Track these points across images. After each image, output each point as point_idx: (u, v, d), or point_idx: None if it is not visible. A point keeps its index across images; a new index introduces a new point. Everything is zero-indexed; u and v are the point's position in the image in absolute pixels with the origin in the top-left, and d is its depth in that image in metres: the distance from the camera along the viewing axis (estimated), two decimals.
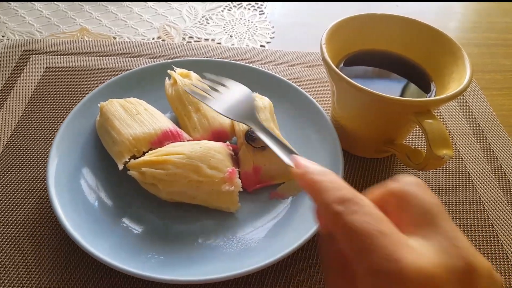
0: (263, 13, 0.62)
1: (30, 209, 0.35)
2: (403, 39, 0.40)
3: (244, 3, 0.64)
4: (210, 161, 0.33)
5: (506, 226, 0.37)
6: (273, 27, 0.60)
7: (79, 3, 0.61)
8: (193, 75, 0.40)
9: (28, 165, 0.39)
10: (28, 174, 0.38)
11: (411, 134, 0.45)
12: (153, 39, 0.56)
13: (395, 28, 0.40)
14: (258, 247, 0.32)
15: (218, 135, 0.37)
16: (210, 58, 0.46)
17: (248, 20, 0.61)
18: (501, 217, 0.38)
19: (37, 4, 0.60)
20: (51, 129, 0.42)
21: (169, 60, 0.45)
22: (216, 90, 0.33)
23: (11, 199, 0.36)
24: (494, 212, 0.38)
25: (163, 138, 0.35)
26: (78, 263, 0.32)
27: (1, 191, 0.36)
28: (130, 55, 0.51)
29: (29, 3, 0.60)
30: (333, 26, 0.38)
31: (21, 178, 0.37)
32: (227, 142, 0.36)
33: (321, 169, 0.22)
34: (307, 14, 0.63)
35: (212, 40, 0.57)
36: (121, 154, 0.34)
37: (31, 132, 0.42)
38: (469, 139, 0.45)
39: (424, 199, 0.20)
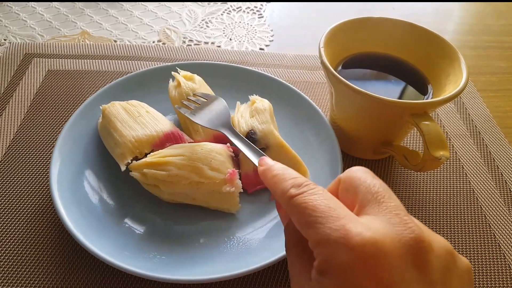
0: (262, 17, 0.63)
1: (33, 211, 0.36)
2: (400, 42, 0.41)
3: (243, 7, 0.65)
4: (211, 163, 0.33)
5: (503, 227, 0.37)
6: (272, 30, 0.60)
7: (80, 6, 0.62)
8: (197, 78, 0.41)
9: (31, 167, 0.39)
10: (31, 176, 0.38)
11: (409, 136, 0.45)
12: (153, 42, 0.57)
13: (392, 31, 0.41)
14: (259, 247, 0.32)
15: (220, 137, 0.38)
16: (212, 61, 0.47)
17: (247, 24, 0.61)
18: (498, 217, 0.38)
19: (38, 7, 0.61)
20: (53, 132, 0.42)
21: (170, 63, 0.45)
22: (198, 104, 0.37)
23: (14, 201, 0.36)
24: (491, 213, 0.39)
25: (165, 140, 0.35)
26: (81, 264, 0.32)
27: (5, 193, 0.37)
28: (130, 58, 0.52)
29: (30, 6, 0.61)
30: (331, 30, 0.39)
31: (24, 180, 0.38)
32: (228, 144, 0.37)
33: (281, 166, 0.24)
34: (305, 17, 0.64)
35: (212, 43, 0.57)
36: (123, 156, 0.34)
37: (33, 135, 0.42)
38: (466, 140, 0.45)
39: (369, 181, 0.21)
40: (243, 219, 0.35)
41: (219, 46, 0.57)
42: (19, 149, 0.41)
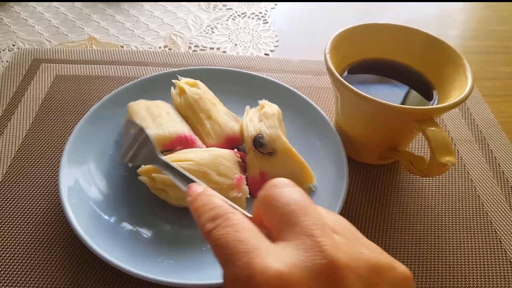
0: (267, 22, 0.64)
1: (42, 215, 0.36)
2: (405, 48, 0.41)
3: (248, 13, 0.65)
4: (219, 168, 0.34)
5: (509, 232, 0.37)
6: (276, 35, 0.61)
7: (87, 12, 0.62)
8: (200, 83, 0.41)
9: (40, 173, 0.39)
10: (40, 181, 0.39)
11: (414, 141, 0.45)
12: (159, 48, 0.57)
13: (397, 37, 0.41)
14: None
15: (231, 141, 0.38)
16: (217, 67, 0.47)
17: (252, 29, 0.62)
18: (504, 223, 0.38)
19: (46, 13, 0.62)
20: (61, 137, 0.43)
21: (177, 69, 0.46)
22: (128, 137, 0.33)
23: (23, 206, 0.37)
24: (497, 219, 0.39)
25: (177, 143, 0.36)
26: (89, 268, 0.32)
27: (14, 198, 0.37)
28: (137, 64, 0.52)
29: (38, 12, 0.61)
30: (336, 36, 0.39)
31: (33, 185, 0.38)
32: (235, 150, 0.37)
33: (207, 194, 0.21)
34: (310, 23, 0.64)
35: (218, 48, 0.58)
36: None
37: (42, 139, 0.42)
38: (472, 146, 0.45)
39: (285, 199, 0.19)
40: None
41: (224, 52, 0.57)
42: (28, 154, 0.41)
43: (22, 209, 0.36)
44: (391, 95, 0.39)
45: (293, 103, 0.43)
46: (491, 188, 0.41)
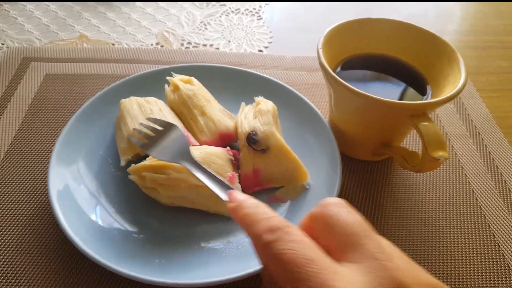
0: (261, 18, 0.63)
1: (31, 215, 0.35)
2: (399, 43, 0.41)
3: (242, 9, 0.65)
4: (211, 166, 0.33)
5: (503, 227, 0.37)
6: (270, 32, 0.60)
7: (78, 10, 0.61)
8: (195, 80, 0.41)
9: (29, 173, 0.39)
10: (29, 180, 0.38)
11: (408, 137, 0.45)
12: (151, 45, 0.57)
13: (391, 32, 0.41)
14: None
15: (225, 138, 0.38)
16: (210, 64, 0.47)
17: (246, 26, 0.61)
18: (498, 218, 0.38)
19: (36, 11, 0.61)
20: (51, 136, 0.42)
21: (168, 66, 0.45)
22: (152, 135, 0.34)
23: (12, 207, 0.36)
24: (491, 213, 0.38)
25: None
26: (79, 269, 0.32)
27: (3, 198, 0.37)
28: (129, 61, 0.52)
29: (28, 10, 0.61)
30: (329, 31, 0.39)
31: (22, 184, 0.38)
32: (228, 148, 0.36)
33: (253, 202, 0.22)
34: (304, 19, 0.64)
35: (211, 45, 0.57)
36: (125, 151, 0.35)
37: (31, 139, 0.42)
38: (466, 141, 0.45)
39: (345, 219, 0.20)
40: None
41: (217, 48, 0.57)
42: (18, 153, 0.40)
43: (11, 210, 0.36)
44: (384, 90, 0.39)
45: (287, 100, 0.43)
46: (485, 184, 0.41)
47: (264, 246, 0.19)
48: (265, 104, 0.39)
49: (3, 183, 0.38)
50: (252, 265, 0.30)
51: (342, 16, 0.40)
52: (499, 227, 0.37)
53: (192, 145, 0.36)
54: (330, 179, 0.36)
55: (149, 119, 0.35)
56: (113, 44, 0.56)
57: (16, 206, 0.36)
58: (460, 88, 0.33)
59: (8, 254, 0.33)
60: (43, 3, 0.62)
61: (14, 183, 0.38)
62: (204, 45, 0.57)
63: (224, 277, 0.29)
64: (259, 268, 0.29)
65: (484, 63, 0.57)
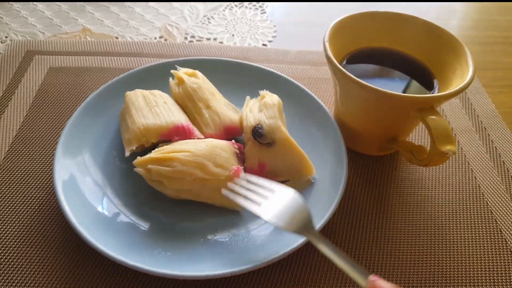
0: (265, 12, 0.63)
1: (37, 207, 0.35)
2: (405, 36, 0.40)
3: (246, 3, 0.64)
4: (216, 159, 0.33)
5: (510, 222, 0.37)
6: (274, 25, 0.60)
7: (81, 4, 0.61)
8: (199, 74, 0.41)
9: (34, 165, 0.39)
10: (34, 175, 0.38)
11: (414, 132, 0.45)
12: (155, 38, 0.56)
13: (397, 25, 0.40)
14: (263, 243, 0.32)
15: (231, 131, 0.38)
16: (214, 57, 0.46)
17: (250, 19, 0.61)
18: (505, 213, 0.38)
19: (39, 5, 0.60)
20: (56, 128, 0.42)
21: (172, 59, 0.45)
22: (260, 194, 0.29)
23: (18, 199, 0.36)
24: (497, 209, 0.38)
25: (174, 132, 0.35)
26: (85, 260, 0.32)
27: (8, 190, 0.37)
28: (132, 55, 0.51)
29: (31, 4, 0.60)
30: (335, 24, 0.38)
31: (27, 179, 0.38)
32: (233, 141, 0.36)
33: None
34: (308, 13, 0.63)
35: (214, 39, 0.57)
36: (130, 142, 0.35)
37: (35, 132, 0.42)
38: (472, 136, 0.45)
39: None
40: (247, 216, 0.34)
41: (221, 42, 0.56)
42: (22, 146, 0.40)
43: (17, 202, 0.36)
44: (390, 84, 0.39)
45: (292, 94, 0.43)
46: (491, 179, 0.41)
47: None
48: (270, 98, 0.38)
49: (8, 176, 0.38)
50: (257, 258, 0.30)
51: (345, 10, 0.40)
52: (506, 222, 0.37)
53: (197, 138, 0.36)
54: (335, 174, 0.36)
55: (255, 182, 0.31)
56: (116, 38, 0.56)
57: (22, 199, 0.36)
58: (469, 81, 0.33)
59: (13, 245, 0.33)
60: None
61: (18, 175, 0.38)
62: (208, 39, 0.57)
63: (230, 270, 0.29)
64: (265, 262, 0.29)
65: (490, 59, 0.56)
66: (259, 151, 0.36)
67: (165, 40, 0.56)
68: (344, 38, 0.39)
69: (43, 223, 0.34)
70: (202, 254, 0.31)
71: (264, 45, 0.56)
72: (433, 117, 0.32)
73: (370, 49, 0.41)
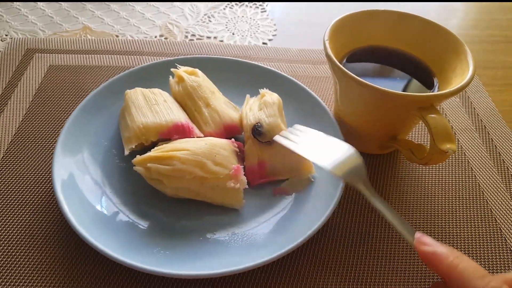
0: (265, 11, 0.62)
1: (36, 207, 0.35)
2: (405, 35, 0.40)
3: (246, 2, 0.64)
4: (215, 158, 0.33)
5: (509, 221, 0.37)
6: (275, 24, 0.60)
7: (82, 2, 0.61)
8: (199, 72, 0.41)
9: (33, 165, 0.39)
10: (33, 174, 0.38)
11: (414, 130, 0.45)
12: (155, 37, 0.56)
13: (398, 24, 0.40)
14: (263, 242, 0.32)
15: (230, 129, 0.38)
16: (214, 56, 0.46)
17: (250, 18, 0.61)
18: (504, 211, 0.38)
19: (39, 3, 0.60)
20: (55, 126, 0.42)
21: (172, 58, 0.45)
22: (314, 142, 0.29)
23: (16, 197, 0.36)
24: (497, 207, 0.38)
25: (173, 131, 0.35)
26: (84, 259, 0.32)
27: (7, 189, 0.37)
28: (133, 53, 0.51)
29: (31, 2, 0.60)
30: (335, 23, 0.38)
31: (26, 174, 0.38)
32: (232, 139, 0.36)
33: (451, 250, 0.23)
34: (309, 12, 0.63)
35: (215, 38, 0.57)
36: (129, 140, 0.35)
37: (35, 129, 0.42)
38: (472, 134, 0.45)
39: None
40: (247, 214, 0.34)
41: (221, 41, 0.56)
42: (22, 144, 0.40)
43: (16, 201, 0.36)
44: (390, 82, 0.39)
45: (292, 92, 0.43)
46: (491, 177, 0.41)
47: None
48: (270, 96, 0.38)
49: (7, 174, 0.38)
50: (256, 257, 0.30)
51: (346, 9, 0.40)
52: (506, 220, 0.37)
53: (197, 136, 0.36)
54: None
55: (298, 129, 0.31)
56: (117, 36, 0.56)
57: (21, 197, 0.36)
58: (469, 80, 0.33)
59: (12, 243, 0.33)
60: None
61: (18, 174, 0.38)
62: (208, 37, 0.57)
63: (229, 269, 0.29)
64: (264, 260, 0.29)
65: (490, 57, 0.56)
66: (259, 150, 0.36)
67: (166, 38, 0.56)
68: (344, 37, 0.39)
69: (42, 222, 0.34)
70: (201, 253, 0.31)
71: (264, 43, 0.56)
72: (433, 115, 0.32)
73: (370, 48, 0.41)
